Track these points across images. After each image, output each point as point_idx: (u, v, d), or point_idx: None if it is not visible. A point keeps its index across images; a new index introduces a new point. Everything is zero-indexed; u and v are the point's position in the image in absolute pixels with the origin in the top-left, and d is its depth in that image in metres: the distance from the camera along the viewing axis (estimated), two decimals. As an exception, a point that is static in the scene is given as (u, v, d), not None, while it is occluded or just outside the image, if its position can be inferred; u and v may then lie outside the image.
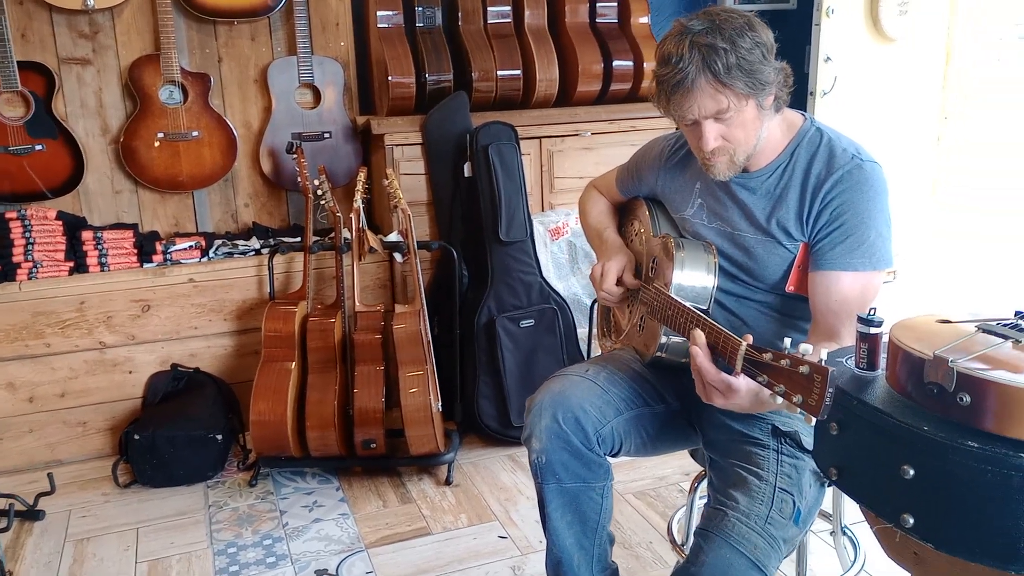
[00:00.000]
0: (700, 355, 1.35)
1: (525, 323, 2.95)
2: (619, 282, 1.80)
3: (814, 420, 1.13)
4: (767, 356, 1.21)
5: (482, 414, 2.95)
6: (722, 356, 1.33)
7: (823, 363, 1.12)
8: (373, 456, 2.76)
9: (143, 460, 2.74)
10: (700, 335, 1.37)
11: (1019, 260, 2.51)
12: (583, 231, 2.03)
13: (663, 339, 1.62)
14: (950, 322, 1.19)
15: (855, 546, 1.96)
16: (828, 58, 3.41)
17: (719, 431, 1.63)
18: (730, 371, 1.33)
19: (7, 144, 2.87)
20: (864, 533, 2.30)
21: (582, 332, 3.09)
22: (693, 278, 1.61)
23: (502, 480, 2.78)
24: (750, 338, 1.28)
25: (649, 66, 3.27)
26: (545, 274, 3.05)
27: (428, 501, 2.67)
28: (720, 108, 1.51)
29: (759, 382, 1.22)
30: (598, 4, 3.33)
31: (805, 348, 1.17)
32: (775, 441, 1.54)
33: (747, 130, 1.55)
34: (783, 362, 1.17)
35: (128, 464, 2.78)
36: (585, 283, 3.24)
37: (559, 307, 3.00)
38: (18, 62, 2.83)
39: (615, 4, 3.36)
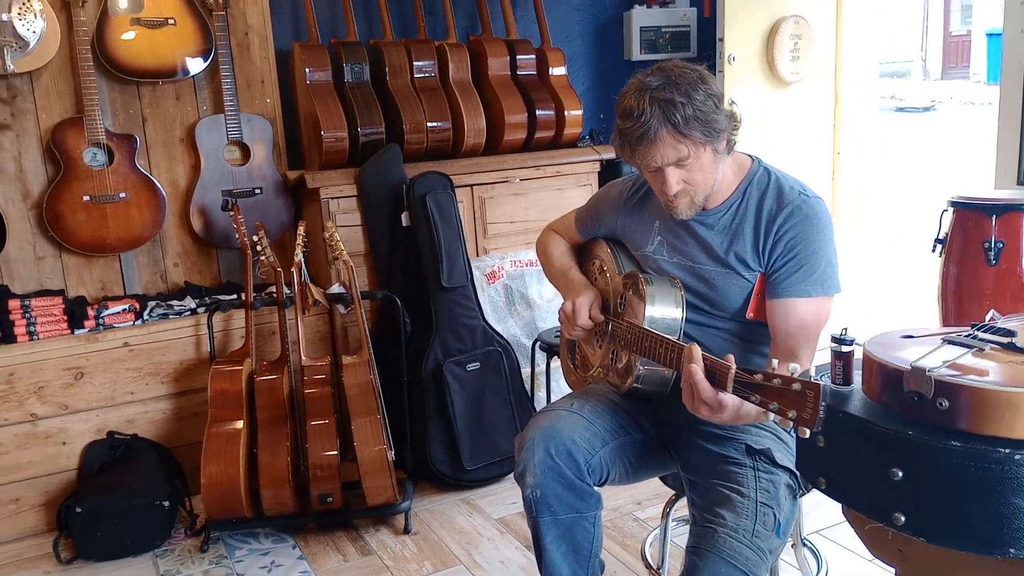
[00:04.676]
0: (698, 371, 1.44)
1: (471, 366, 3.01)
2: (588, 317, 1.89)
3: (808, 432, 1.24)
4: (758, 377, 1.31)
5: (434, 460, 2.97)
6: (714, 378, 1.43)
7: (813, 380, 1.23)
8: (328, 511, 2.73)
9: (86, 533, 2.63)
10: (696, 350, 1.46)
11: (909, 280, 2.79)
12: (545, 271, 2.11)
13: (639, 370, 1.72)
14: (913, 336, 1.33)
15: (816, 556, 2.08)
16: (732, 101, 3.65)
17: (696, 454, 1.73)
18: None
19: (-78, 214, 2.75)
20: (823, 544, 2.45)
21: (526, 372, 3.17)
22: (664, 311, 1.72)
23: (460, 524, 2.80)
24: (732, 359, 1.39)
25: (570, 114, 3.43)
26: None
27: (389, 551, 2.66)
28: (680, 156, 1.64)
29: (752, 402, 1.32)
30: (518, 57, 3.46)
31: (793, 367, 1.28)
32: (751, 459, 1.65)
33: (705, 173, 1.68)
34: (775, 381, 1.28)
35: (70, 539, 2.67)
36: (523, 324, 3.33)
37: (503, 349, 3.07)
38: (-68, 129, 2.75)
39: (533, 57, 3.50)
